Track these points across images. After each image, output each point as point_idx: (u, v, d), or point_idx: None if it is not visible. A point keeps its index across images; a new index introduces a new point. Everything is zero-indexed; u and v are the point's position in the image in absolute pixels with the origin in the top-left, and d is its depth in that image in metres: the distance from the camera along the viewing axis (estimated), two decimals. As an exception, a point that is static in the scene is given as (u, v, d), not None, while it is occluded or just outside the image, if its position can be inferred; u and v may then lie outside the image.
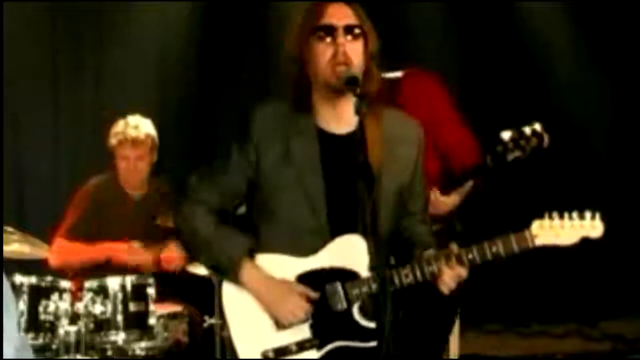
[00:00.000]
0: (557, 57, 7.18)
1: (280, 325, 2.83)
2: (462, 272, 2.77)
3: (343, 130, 2.87)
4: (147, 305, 4.35)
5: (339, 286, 2.81)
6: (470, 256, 2.75)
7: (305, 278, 2.84)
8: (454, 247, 2.77)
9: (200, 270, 4.74)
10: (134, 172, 4.92)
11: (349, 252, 2.78)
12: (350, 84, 2.71)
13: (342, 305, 2.81)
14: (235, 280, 2.84)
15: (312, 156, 2.84)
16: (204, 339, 4.68)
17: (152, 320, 4.35)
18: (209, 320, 4.61)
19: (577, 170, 6.63)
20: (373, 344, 2.75)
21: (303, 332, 2.82)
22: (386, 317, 2.52)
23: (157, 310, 4.42)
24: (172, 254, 4.80)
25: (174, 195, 4.97)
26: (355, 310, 2.82)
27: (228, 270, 2.85)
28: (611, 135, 7.23)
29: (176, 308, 4.68)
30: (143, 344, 4.32)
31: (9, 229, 4.22)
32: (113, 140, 4.90)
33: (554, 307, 6.89)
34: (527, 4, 7.11)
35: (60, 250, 4.75)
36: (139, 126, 4.90)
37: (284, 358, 2.80)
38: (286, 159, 2.83)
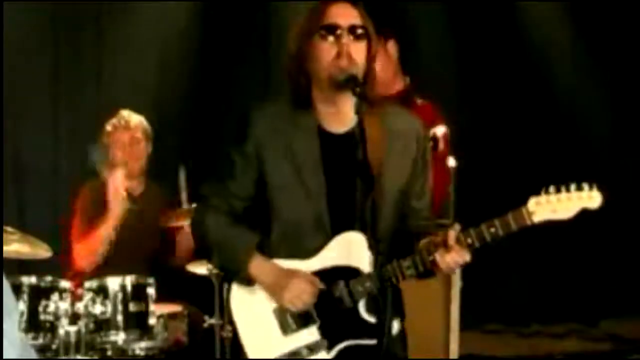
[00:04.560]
0: (557, 57, 7.18)
1: (287, 322, 2.82)
2: (465, 256, 2.70)
3: (343, 128, 2.86)
4: (147, 305, 4.34)
5: (342, 285, 2.80)
6: (469, 240, 2.69)
7: None
8: (452, 232, 2.69)
9: (200, 269, 4.73)
10: (130, 158, 4.93)
11: (350, 249, 2.77)
12: (349, 82, 2.72)
13: (347, 303, 2.80)
14: (246, 275, 2.83)
15: (312, 154, 2.84)
16: (204, 339, 4.69)
17: (152, 320, 4.34)
18: (209, 320, 4.61)
19: (577, 171, 6.62)
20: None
21: (312, 334, 2.81)
22: (387, 315, 2.51)
23: (157, 310, 4.41)
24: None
25: (173, 198, 5.00)
26: (361, 307, 2.80)
27: (238, 267, 2.85)
28: (612, 136, 7.23)
29: (176, 308, 4.68)
30: (143, 344, 4.32)
31: (9, 229, 4.20)
32: (108, 128, 4.95)
33: (554, 307, 6.88)
34: (527, 5, 7.11)
35: (85, 252, 4.76)
36: (131, 114, 5.01)
37: None
38: (287, 158, 2.83)
